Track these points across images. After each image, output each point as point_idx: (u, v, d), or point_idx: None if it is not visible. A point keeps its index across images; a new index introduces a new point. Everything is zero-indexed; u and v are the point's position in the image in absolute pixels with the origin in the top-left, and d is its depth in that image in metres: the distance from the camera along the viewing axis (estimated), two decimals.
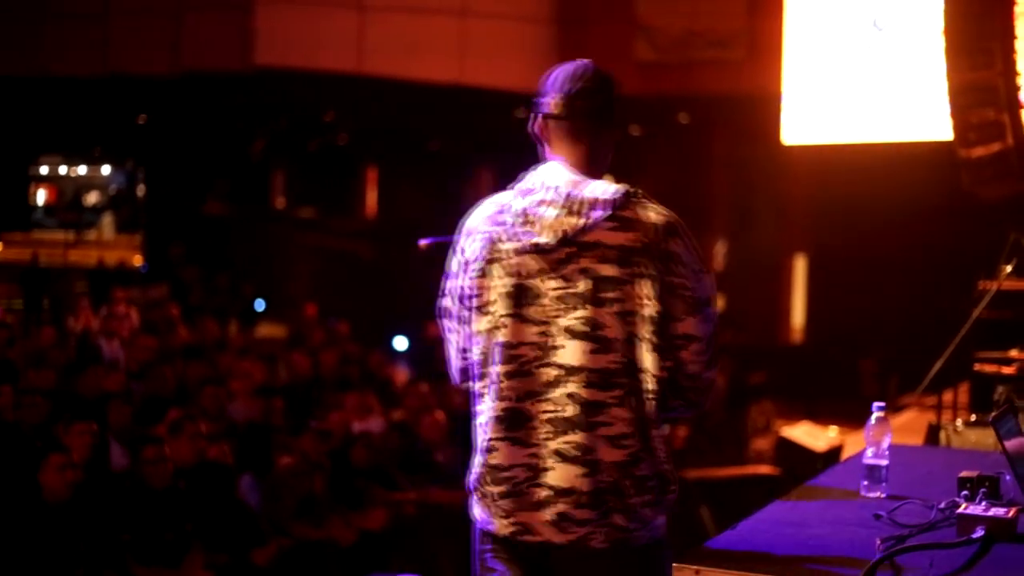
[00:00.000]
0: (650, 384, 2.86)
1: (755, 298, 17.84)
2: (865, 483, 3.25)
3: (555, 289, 2.88)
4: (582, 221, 2.86)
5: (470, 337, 2.99)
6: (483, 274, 2.94)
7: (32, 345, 10.92)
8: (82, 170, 33.06)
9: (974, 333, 5.80)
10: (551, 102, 3.02)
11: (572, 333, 2.86)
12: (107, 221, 31.27)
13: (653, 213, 2.92)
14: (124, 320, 12.55)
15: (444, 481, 8.50)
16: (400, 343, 16.00)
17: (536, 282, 2.89)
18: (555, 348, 2.87)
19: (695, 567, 2.65)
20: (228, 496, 7.20)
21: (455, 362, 3.09)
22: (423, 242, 4.03)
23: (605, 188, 2.90)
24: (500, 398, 2.91)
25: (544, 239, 2.88)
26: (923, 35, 11.33)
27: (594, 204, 2.87)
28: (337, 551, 7.31)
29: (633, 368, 2.86)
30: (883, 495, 3.22)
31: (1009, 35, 6.84)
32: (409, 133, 22.15)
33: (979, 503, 2.90)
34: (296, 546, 7.32)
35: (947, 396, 5.92)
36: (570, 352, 2.86)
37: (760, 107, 14.31)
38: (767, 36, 14.35)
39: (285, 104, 20.51)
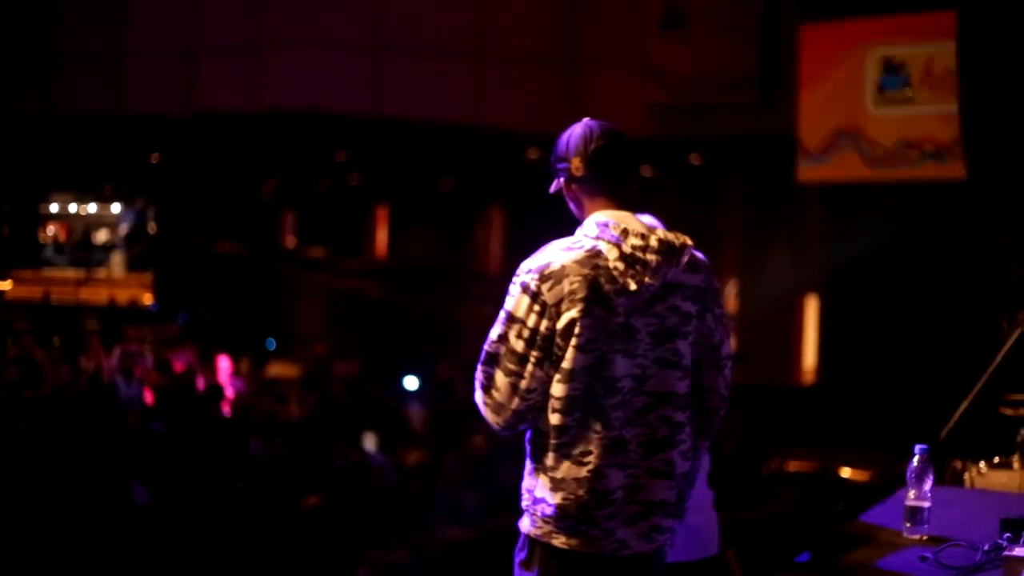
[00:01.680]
0: (716, 402, 3.32)
1: (768, 338, 17.83)
2: (908, 525, 3.26)
3: (648, 325, 3.17)
4: (676, 265, 3.19)
5: (540, 379, 3.15)
6: (587, 314, 3.12)
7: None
8: (92, 208, 33.15)
9: (994, 375, 5.80)
10: (572, 166, 3.30)
11: (663, 364, 3.18)
12: (117, 259, 31.34)
13: (703, 258, 3.31)
14: (138, 359, 12.58)
15: (465, 521, 8.49)
16: (411, 382, 15.99)
17: (633, 320, 3.16)
18: (647, 378, 3.17)
19: None
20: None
21: (513, 404, 3.19)
22: None
23: (676, 234, 3.23)
24: (607, 427, 3.15)
25: (652, 281, 3.15)
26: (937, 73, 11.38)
27: (683, 251, 3.20)
28: None
29: (699, 391, 3.28)
30: (925, 537, 3.22)
31: None
32: (420, 173, 22.22)
33: (1023, 545, 2.91)
34: None
35: (967, 438, 5.90)
36: (660, 380, 3.18)
37: (773, 147, 14.36)
38: (780, 79, 14.42)
39: (296, 144, 20.57)
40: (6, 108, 17.59)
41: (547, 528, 3.17)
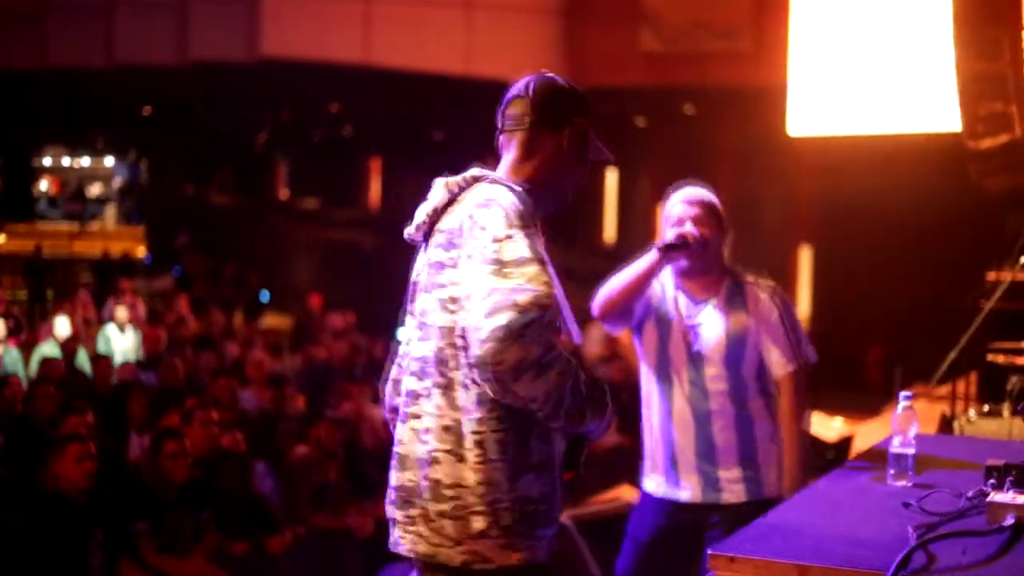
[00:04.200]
0: (463, 370, 2.88)
1: None
2: (892, 471, 3.28)
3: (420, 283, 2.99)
4: (427, 210, 2.95)
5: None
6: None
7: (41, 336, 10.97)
8: (85, 161, 33.10)
9: (984, 323, 5.82)
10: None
11: (414, 323, 2.96)
12: (110, 212, 31.35)
13: (490, 193, 2.88)
14: (131, 311, 12.58)
15: None
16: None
17: (418, 278, 2.99)
18: (412, 340, 2.96)
19: (730, 554, 2.67)
20: (243, 485, 7.22)
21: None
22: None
23: (454, 177, 2.94)
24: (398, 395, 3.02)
25: (412, 233, 2.99)
26: (931, 25, 11.33)
27: (435, 189, 2.96)
28: (354, 540, 7.34)
29: (451, 357, 2.84)
30: (910, 483, 3.24)
31: (1017, 26, 6.83)
32: (413, 124, 22.17)
33: (1007, 491, 2.92)
34: (312, 535, 7.36)
35: (958, 386, 5.94)
36: (414, 344, 2.94)
37: (766, 98, 14.32)
38: (773, 27, 14.36)
39: (290, 95, 20.51)
40: None
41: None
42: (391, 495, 2.90)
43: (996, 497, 2.85)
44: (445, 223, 2.88)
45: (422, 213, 2.94)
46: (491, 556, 2.76)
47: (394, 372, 3.04)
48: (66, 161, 32.84)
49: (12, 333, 10.71)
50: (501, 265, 2.67)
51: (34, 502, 5.93)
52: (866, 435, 7.90)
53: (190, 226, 25.72)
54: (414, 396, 2.87)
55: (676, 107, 18.66)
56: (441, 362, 2.80)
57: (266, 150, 27.67)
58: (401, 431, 2.90)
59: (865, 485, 3.30)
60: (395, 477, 2.89)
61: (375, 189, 27.43)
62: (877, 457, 3.50)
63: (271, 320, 19.78)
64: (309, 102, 21.32)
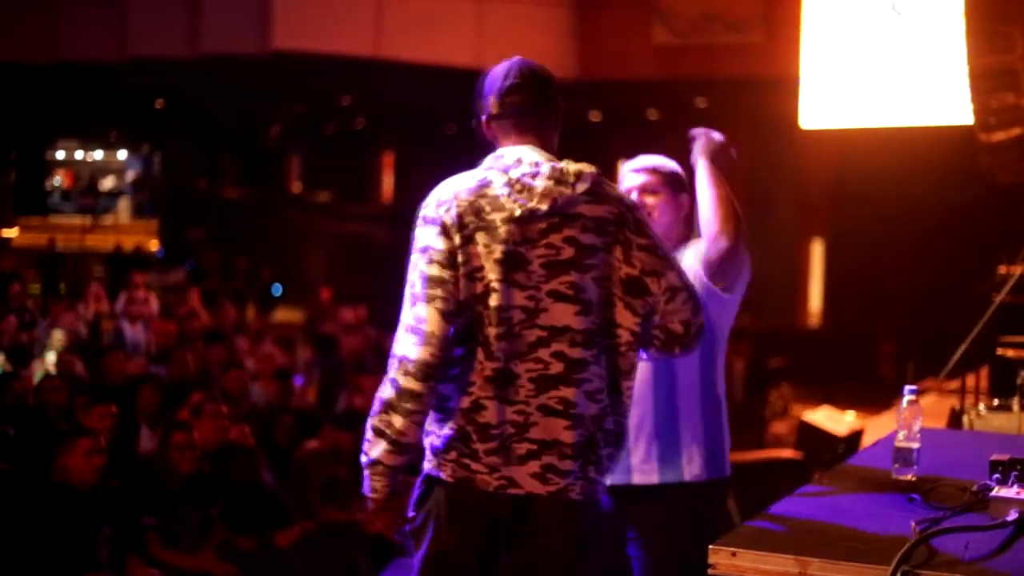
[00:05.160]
0: (626, 337, 3.15)
1: (773, 282, 17.84)
2: (896, 465, 3.27)
3: (541, 257, 3.08)
4: (569, 191, 3.09)
5: (459, 302, 3.07)
6: (470, 241, 3.07)
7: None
8: (98, 155, 33.17)
9: (995, 317, 5.79)
10: (489, 104, 3.25)
11: (557, 297, 3.08)
12: (123, 206, 31.39)
13: (618, 190, 3.28)
14: (144, 304, 12.60)
15: None
16: None
17: (523, 250, 3.07)
18: (540, 311, 3.07)
19: (731, 549, 2.66)
20: (252, 478, 7.23)
21: (442, 328, 3.05)
22: None
23: (581, 165, 3.13)
24: (490, 359, 3.06)
25: (538, 205, 3.07)
26: (942, 18, 11.29)
27: (579, 176, 3.11)
28: (362, 534, 7.34)
29: (609, 327, 3.14)
30: (914, 477, 3.23)
31: None
32: (425, 118, 22.17)
33: (1011, 486, 2.91)
34: (321, 529, 7.37)
35: (968, 381, 5.91)
36: (555, 314, 3.08)
37: (778, 91, 14.29)
38: (785, 19, 14.32)
39: (302, 88, 20.51)
40: (9, 55, 17.55)
41: (436, 461, 3.12)
42: (565, 451, 3.08)
43: (1000, 492, 2.85)
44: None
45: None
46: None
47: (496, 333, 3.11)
48: (79, 155, 32.90)
49: (25, 327, 10.73)
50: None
51: (43, 495, 5.95)
52: (877, 429, 7.89)
53: (203, 220, 25.75)
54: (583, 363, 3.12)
55: (688, 100, 18.62)
56: (602, 333, 3.13)
57: (278, 143, 27.71)
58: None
59: (869, 479, 3.29)
60: (569, 435, 3.08)
61: (388, 182, 27.43)
62: (883, 451, 3.49)
63: (283, 314, 19.82)
64: (321, 95, 21.33)
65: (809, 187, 19.42)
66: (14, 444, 7.00)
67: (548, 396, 3.07)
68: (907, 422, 3.26)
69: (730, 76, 16.34)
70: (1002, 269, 6.01)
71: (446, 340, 3.06)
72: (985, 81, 6.85)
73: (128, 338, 11.53)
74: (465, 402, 3.07)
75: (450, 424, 3.09)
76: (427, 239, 3.11)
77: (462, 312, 3.07)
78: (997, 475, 3.01)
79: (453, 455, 3.09)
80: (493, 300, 3.05)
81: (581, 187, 3.09)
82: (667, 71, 16.57)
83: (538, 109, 3.23)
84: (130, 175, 32.46)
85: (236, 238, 24.39)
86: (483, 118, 3.27)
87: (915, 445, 3.26)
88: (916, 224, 16.63)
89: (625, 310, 3.13)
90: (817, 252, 19.82)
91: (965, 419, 5.49)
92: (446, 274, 3.06)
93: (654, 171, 4.04)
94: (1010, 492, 2.84)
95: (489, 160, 3.20)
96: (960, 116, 8.82)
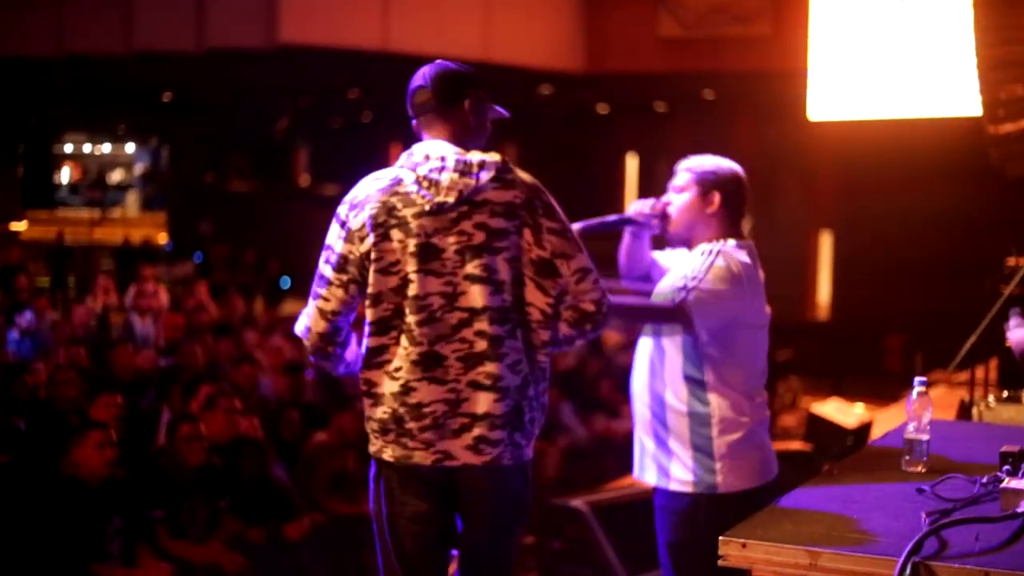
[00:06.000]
0: (536, 315, 3.34)
1: (781, 274, 17.82)
2: (906, 457, 3.27)
3: (454, 244, 3.28)
4: (473, 181, 3.28)
5: (344, 301, 3.36)
6: (384, 238, 3.30)
7: (63, 322, 11.01)
8: (106, 148, 33.19)
9: (1004, 309, 5.78)
10: (408, 108, 3.51)
11: (473, 279, 3.28)
12: (131, 199, 31.43)
13: (526, 176, 3.39)
14: (154, 297, 12.62)
15: None
16: None
17: (436, 240, 3.29)
18: (459, 294, 3.29)
19: (742, 540, 2.67)
20: (261, 471, 7.25)
21: (319, 327, 3.38)
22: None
23: (485, 155, 3.33)
24: (414, 344, 3.28)
25: (445, 199, 3.27)
26: (951, 10, 11.27)
27: (483, 165, 3.30)
28: (370, 527, 7.34)
29: (521, 304, 3.33)
30: (924, 469, 3.23)
31: None
32: None
33: (1021, 477, 2.91)
34: (329, 521, 7.38)
35: (977, 372, 5.91)
36: (473, 296, 3.28)
37: (786, 83, 14.28)
38: (792, 11, 14.31)
39: (309, 81, 20.50)
40: (17, 49, 17.55)
41: (378, 444, 3.35)
42: (496, 422, 3.29)
43: (1010, 483, 2.85)
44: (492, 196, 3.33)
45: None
46: None
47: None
48: (87, 148, 32.90)
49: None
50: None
51: (53, 488, 5.97)
52: (886, 421, 7.90)
53: (211, 213, 25.77)
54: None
55: (695, 92, 18.62)
56: (515, 309, 3.32)
57: (286, 137, 27.73)
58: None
59: (879, 471, 3.29)
60: (498, 407, 3.29)
61: None
62: (892, 443, 3.50)
63: (292, 307, 19.82)
64: (328, 88, 21.32)
65: (817, 179, 19.40)
66: (25, 437, 7.01)
67: (476, 372, 3.28)
68: (917, 414, 3.26)
69: (737, 68, 16.33)
70: (1011, 261, 6.00)
71: (321, 335, 3.37)
72: (994, 72, 6.84)
73: (137, 331, 11.55)
74: (395, 386, 3.30)
75: (383, 408, 3.32)
76: (331, 238, 3.39)
77: (378, 304, 3.30)
78: (1007, 467, 3.01)
79: (391, 436, 3.31)
80: (411, 290, 3.28)
81: (485, 176, 3.29)
82: (674, 63, 16.56)
83: (440, 105, 3.43)
84: (138, 168, 32.47)
85: (244, 231, 24.40)
86: (412, 124, 3.50)
87: (925, 437, 3.27)
88: (924, 216, 16.62)
89: (536, 290, 3.34)
90: (825, 244, 19.80)
91: (974, 411, 5.49)
92: (335, 277, 3.35)
93: (688, 169, 4.15)
94: (1020, 484, 2.84)
95: (403, 158, 3.40)
96: (968, 107, 8.82)
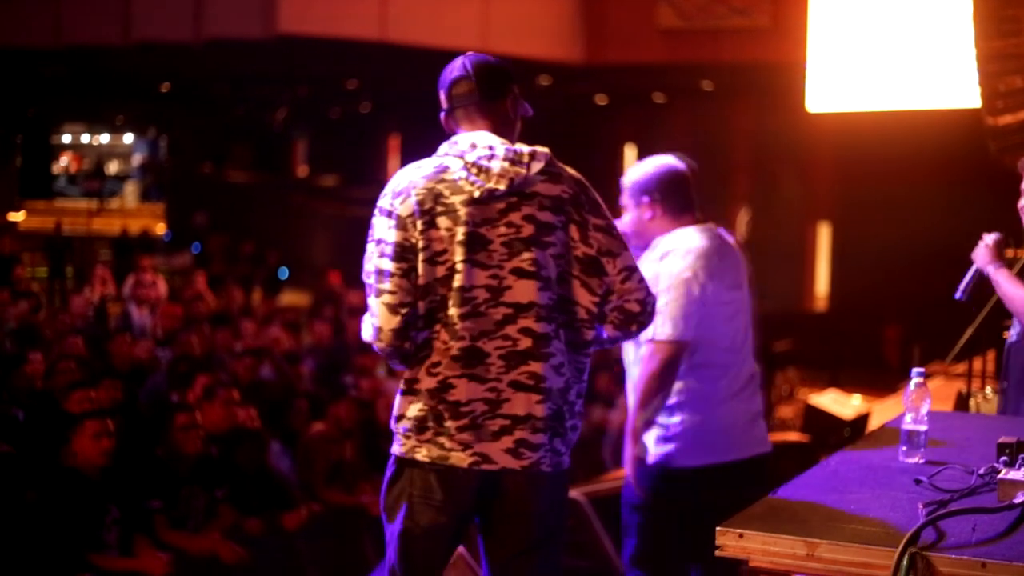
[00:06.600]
0: (582, 315, 3.25)
1: (779, 265, 17.84)
2: (904, 448, 3.27)
3: (502, 235, 3.19)
4: (523, 170, 3.19)
5: (410, 291, 3.18)
6: (431, 226, 3.18)
7: (62, 312, 11.02)
8: (105, 139, 33.10)
9: (1001, 302, 5.78)
10: (442, 99, 3.39)
11: (519, 274, 3.18)
12: (130, 189, 31.38)
13: (572, 170, 3.34)
14: (152, 288, 12.62)
15: None
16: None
17: (484, 230, 3.18)
18: (505, 288, 3.17)
19: (739, 530, 2.67)
20: (259, 461, 7.24)
21: (391, 324, 3.19)
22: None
23: (534, 147, 3.26)
24: (455, 338, 3.16)
25: (496, 186, 3.18)
26: (950, 2, 11.27)
27: (533, 156, 3.22)
28: (368, 517, 7.36)
29: (566, 302, 3.23)
30: (922, 460, 3.23)
31: None
32: (431, 101, 22.14)
33: (1019, 468, 2.91)
34: (327, 512, 7.38)
35: (975, 364, 5.91)
36: (519, 291, 3.17)
37: (784, 74, 14.28)
38: (791, 3, 14.31)
39: (307, 72, 20.48)
40: (14, 39, 17.52)
41: (410, 443, 3.22)
42: (537, 424, 3.18)
43: (1008, 475, 2.85)
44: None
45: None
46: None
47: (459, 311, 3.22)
48: (85, 138, 32.82)
49: (32, 311, 10.75)
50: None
51: (51, 478, 5.96)
52: (883, 412, 7.90)
53: (209, 203, 25.75)
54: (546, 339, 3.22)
55: (694, 83, 18.61)
56: (559, 308, 3.23)
57: (284, 127, 27.68)
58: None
59: (876, 462, 3.29)
60: (540, 408, 3.18)
61: (393, 166, 27.38)
62: (890, 434, 3.50)
63: (289, 297, 19.84)
64: (326, 79, 21.29)
65: (815, 171, 19.40)
66: (23, 428, 7.01)
67: (519, 372, 3.17)
68: (915, 405, 3.26)
69: (736, 60, 16.33)
70: (1009, 252, 6.00)
71: (396, 331, 3.18)
72: (993, 64, 6.85)
73: (135, 321, 11.55)
74: (433, 383, 3.18)
75: (420, 405, 3.19)
76: (380, 231, 3.24)
77: (425, 296, 3.18)
78: (1004, 458, 3.01)
79: (427, 435, 3.18)
80: (457, 281, 3.16)
81: (536, 167, 3.21)
82: (674, 54, 16.55)
83: (483, 98, 3.33)
84: (136, 159, 32.40)
85: (242, 222, 24.38)
86: (442, 114, 3.39)
87: (922, 428, 3.26)
88: (922, 208, 16.62)
89: (582, 288, 3.24)
90: (824, 235, 19.81)
91: (972, 402, 5.50)
92: (395, 267, 3.18)
93: (622, 188, 4.35)
94: (1017, 475, 2.84)
95: (445, 147, 3.29)
96: (967, 99, 8.82)
